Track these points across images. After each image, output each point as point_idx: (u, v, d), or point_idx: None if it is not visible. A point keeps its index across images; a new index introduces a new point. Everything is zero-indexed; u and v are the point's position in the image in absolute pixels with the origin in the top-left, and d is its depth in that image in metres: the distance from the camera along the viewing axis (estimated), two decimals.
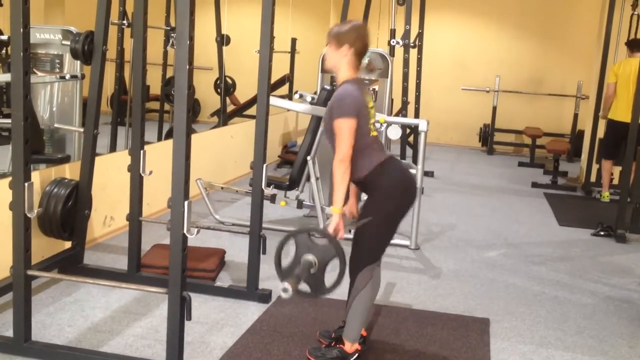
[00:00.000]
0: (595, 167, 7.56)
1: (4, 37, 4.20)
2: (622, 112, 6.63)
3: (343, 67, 2.92)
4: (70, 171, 4.19)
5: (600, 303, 4.11)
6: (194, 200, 5.38)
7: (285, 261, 2.83)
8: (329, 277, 2.75)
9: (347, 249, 2.96)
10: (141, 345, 3.15)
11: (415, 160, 6.12)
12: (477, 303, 3.99)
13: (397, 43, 7.02)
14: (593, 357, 3.34)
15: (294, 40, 8.81)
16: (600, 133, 7.33)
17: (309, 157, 5.08)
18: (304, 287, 2.75)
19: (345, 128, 2.79)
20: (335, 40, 2.91)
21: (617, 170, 6.98)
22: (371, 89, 5.92)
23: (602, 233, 5.69)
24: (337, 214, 2.81)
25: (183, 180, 2.55)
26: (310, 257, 2.74)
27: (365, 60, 2.97)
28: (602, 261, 5.02)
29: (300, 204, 5.29)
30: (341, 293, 3.13)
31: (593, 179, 7.62)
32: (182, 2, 2.45)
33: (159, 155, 4.24)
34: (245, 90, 8.31)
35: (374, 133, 2.94)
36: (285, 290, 2.58)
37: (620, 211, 5.61)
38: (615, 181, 7.14)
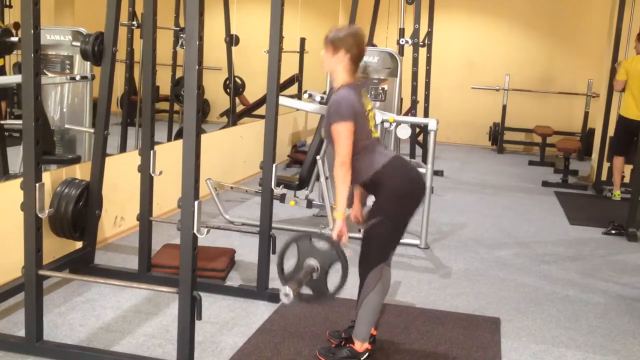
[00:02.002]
0: (606, 165, 7.52)
1: (15, 39, 4.22)
2: (632, 109, 6.60)
3: (339, 72, 2.92)
4: (81, 172, 4.21)
5: (612, 302, 4.08)
6: (204, 200, 5.39)
7: (288, 265, 2.83)
8: (332, 282, 2.75)
9: (356, 248, 2.97)
10: (152, 344, 3.16)
11: (424, 160, 6.10)
12: (488, 302, 3.97)
13: (406, 42, 7.01)
14: (605, 357, 3.32)
15: (302, 40, 8.82)
16: (611, 131, 7.29)
17: (318, 157, 5.08)
18: (306, 291, 2.74)
19: (342, 132, 2.79)
20: (331, 46, 2.92)
21: (628, 168, 6.95)
22: (380, 88, 5.91)
23: (613, 232, 5.66)
24: (340, 219, 2.82)
25: (193, 180, 2.55)
26: (312, 262, 2.75)
27: (361, 65, 2.97)
28: (614, 260, 4.99)
29: (309, 204, 5.29)
30: (351, 293, 3.13)
31: (604, 177, 7.58)
32: (192, 3, 2.46)
33: (169, 156, 4.26)
34: (255, 90, 8.32)
35: (376, 134, 2.95)
36: (286, 295, 2.59)
37: (631, 210, 5.58)
38: (627, 179, 7.10)
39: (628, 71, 6.62)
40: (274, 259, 3.81)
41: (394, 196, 2.87)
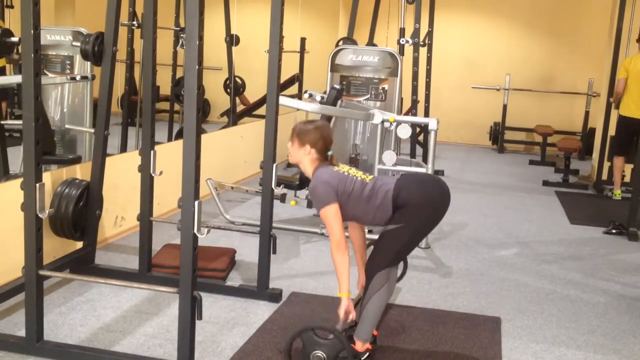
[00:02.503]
0: (606, 165, 7.51)
1: (15, 39, 4.22)
2: (633, 108, 6.59)
3: (307, 163, 3.02)
4: (81, 172, 4.21)
5: (613, 302, 4.08)
6: (204, 200, 5.39)
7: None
8: None
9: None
10: (152, 344, 3.16)
11: (425, 159, 6.10)
12: (488, 302, 3.97)
13: (407, 42, 7.01)
14: (605, 356, 3.32)
15: (303, 40, 8.81)
16: (612, 131, 7.28)
17: None
18: None
19: (329, 216, 2.85)
20: (297, 139, 3.02)
21: (628, 168, 6.95)
22: (380, 87, 5.91)
23: (614, 231, 5.65)
24: (345, 297, 2.86)
25: (193, 180, 2.55)
26: (319, 354, 2.79)
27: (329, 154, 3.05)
28: (614, 259, 4.98)
29: (310, 203, 5.29)
30: (353, 293, 3.12)
31: (604, 176, 7.57)
32: (191, 3, 2.46)
33: (170, 156, 4.26)
34: (255, 90, 8.32)
35: (368, 178, 2.97)
36: None
37: (632, 209, 5.58)
38: (627, 179, 7.10)
39: (628, 70, 6.62)
40: (274, 259, 3.83)
41: (421, 207, 2.90)
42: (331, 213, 2.85)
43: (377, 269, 2.93)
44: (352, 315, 2.89)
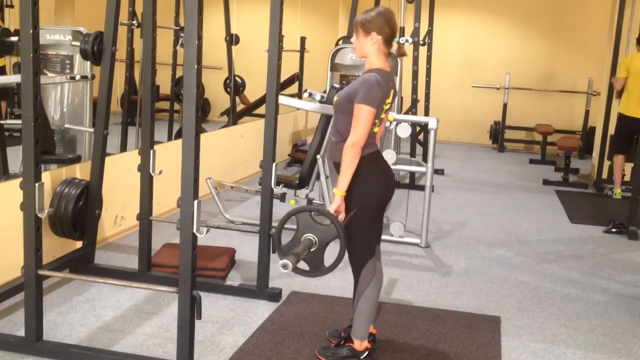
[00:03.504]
0: (606, 163, 7.51)
1: (15, 38, 4.22)
2: (633, 107, 6.59)
3: (373, 54, 2.89)
4: (81, 171, 4.21)
5: (612, 300, 4.08)
6: (204, 200, 5.39)
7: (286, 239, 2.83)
8: (328, 258, 2.75)
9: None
10: (152, 344, 3.16)
11: (425, 158, 6.10)
12: (488, 301, 3.97)
13: (407, 41, 6.99)
14: (605, 355, 3.32)
15: (303, 39, 8.81)
16: (612, 129, 7.28)
17: (318, 156, 5.08)
18: (303, 265, 2.75)
19: (365, 115, 2.77)
20: (362, 29, 2.88)
21: (628, 167, 6.94)
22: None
23: (614, 230, 5.65)
24: (340, 196, 2.81)
25: (192, 179, 2.55)
26: (311, 236, 2.75)
27: (394, 46, 2.95)
28: (614, 258, 4.98)
29: (310, 203, 5.28)
30: (350, 292, 3.12)
31: (605, 175, 7.57)
32: (191, 2, 2.45)
33: (169, 155, 4.26)
34: (255, 89, 8.32)
35: (375, 129, 2.92)
36: (285, 266, 2.58)
37: (632, 208, 5.57)
38: (627, 178, 7.09)
39: (628, 68, 6.61)
40: (274, 258, 3.82)
41: (368, 186, 2.86)
42: (369, 114, 2.77)
43: (360, 265, 2.94)
44: (342, 217, 2.83)
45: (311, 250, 2.74)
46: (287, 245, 2.80)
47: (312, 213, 2.77)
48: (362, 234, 2.91)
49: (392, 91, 2.92)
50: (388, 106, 2.92)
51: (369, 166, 2.86)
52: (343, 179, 2.80)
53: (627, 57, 6.81)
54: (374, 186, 2.89)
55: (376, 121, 2.87)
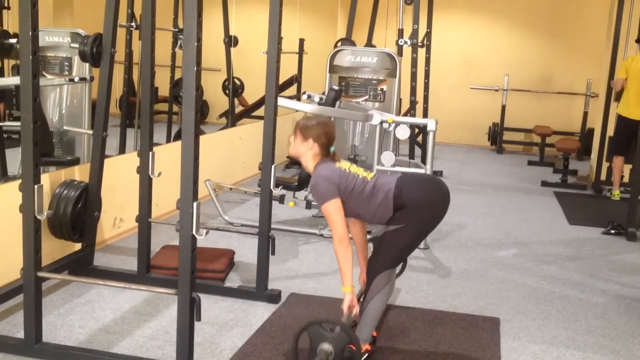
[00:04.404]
0: (605, 165, 7.52)
1: (13, 40, 4.22)
2: (632, 109, 6.59)
3: (309, 158, 3.05)
4: (80, 173, 4.21)
5: (612, 302, 4.08)
6: (203, 202, 5.40)
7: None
8: None
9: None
10: (151, 346, 3.15)
11: (424, 160, 6.10)
12: (487, 302, 3.97)
13: (405, 43, 7.02)
14: (604, 356, 3.32)
15: (301, 41, 8.81)
16: (611, 131, 7.29)
17: None
18: None
19: (332, 211, 2.86)
20: (300, 134, 3.06)
21: (627, 168, 6.95)
22: (379, 88, 5.91)
23: (612, 232, 5.66)
24: (348, 292, 2.87)
25: (192, 181, 2.55)
26: (325, 347, 2.77)
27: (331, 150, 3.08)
28: (613, 260, 4.99)
29: (309, 204, 5.29)
30: (355, 288, 3.12)
31: (603, 177, 7.58)
32: (189, 4, 2.46)
33: (168, 157, 4.26)
34: (254, 91, 8.32)
35: (370, 176, 2.99)
36: None
37: (630, 209, 5.58)
38: (626, 179, 7.10)
39: (628, 70, 6.62)
40: (273, 260, 3.83)
41: (422, 207, 2.92)
42: (333, 208, 2.86)
43: (378, 271, 2.94)
44: (356, 310, 2.89)
45: (329, 359, 2.76)
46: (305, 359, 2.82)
47: (322, 324, 2.80)
48: (398, 249, 2.95)
49: (342, 162, 3.04)
50: (352, 167, 3.01)
51: (409, 193, 2.92)
52: (345, 274, 2.87)
53: (627, 59, 6.83)
54: (428, 207, 2.95)
55: (361, 175, 2.97)
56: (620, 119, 6.79)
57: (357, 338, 2.79)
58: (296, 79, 8.69)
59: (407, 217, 2.89)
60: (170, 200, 4.60)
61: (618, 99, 6.91)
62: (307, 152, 3.04)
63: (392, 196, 2.90)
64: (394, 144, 6.15)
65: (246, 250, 4.57)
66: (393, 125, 5.03)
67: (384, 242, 2.92)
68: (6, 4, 5.49)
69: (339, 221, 2.86)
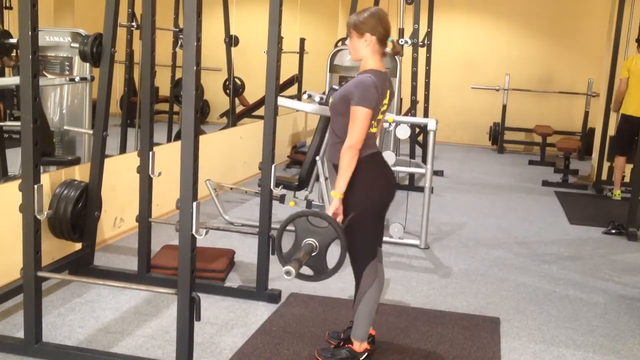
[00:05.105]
0: (606, 165, 7.51)
1: (14, 40, 4.22)
2: (634, 107, 6.59)
3: (368, 55, 2.87)
4: (80, 173, 4.21)
5: (612, 302, 4.08)
6: (204, 201, 5.40)
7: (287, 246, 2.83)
8: (330, 259, 2.75)
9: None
10: (151, 345, 3.15)
11: (424, 160, 6.10)
12: (488, 302, 3.97)
13: (406, 42, 7.00)
14: (605, 356, 3.32)
15: (302, 41, 8.81)
16: (612, 130, 7.29)
17: (317, 157, 5.08)
18: (306, 270, 2.74)
19: (362, 116, 2.75)
20: (355, 30, 2.86)
21: (628, 167, 6.94)
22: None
23: (613, 231, 5.65)
24: (337, 198, 2.81)
25: (191, 181, 2.55)
26: (310, 241, 2.74)
27: (389, 45, 2.94)
28: (614, 260, 4.98)
29: (309, 204, 5.28)
30: (350, 293, 3.13)
31: (604, 177, 7.57)
32: (189, 4, 2.46)
33: (169, 157, 4.25)
34: (255, 90, 8.32)
35: (373, 130, 2.91)
36: (288, 272, 2.58)
37: (631, 209, 5.57)
38: (627, 179, 7.09)
39: (630, 69, 6.62)
40: (273, 259, 3.82)
41: (368, 189, 2.85)
42: (365, 115, 2.76)
43: (362, 267, 2.93)
44: (340, 218, 2.82)
45: (312, 254, 2.73)
46: (289, 252, 2.79)
47: (309, 217, 2.77)
48: (363, 235, 2.90)
49: (388, 92, 2.90)
50: (385, 107, 2.91)
51: (368, 167, 2.85)
52: (341, 181, 2.79)
53: (628, 59, 6.83)
54: (375, 187, 2.88)
55: (373, 122, 2.87)
56: (623, 117, 6.79)
57: (342, 231, 2.72)
58: (297, 79, 8.70)
59: (352, 204, 2.82)
60: (170, 200, 4.62)
61: (617, 109, 6.91)
62: (366, 49, 2.85)
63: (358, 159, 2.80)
64: (394, 143, 6.16)
65: (246, 250, 4.57)
66: (393, 124, 5.03)
67: (349, 237, 2.83)
68: (8, 4, 5.49)
69: (361, 130, 2.75)
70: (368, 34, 2.84)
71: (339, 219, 2.83)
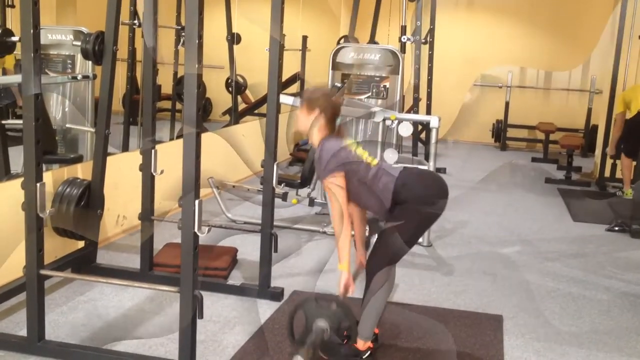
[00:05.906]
0: (609, 162, 7.50)
1: (15, 38, 4.22)
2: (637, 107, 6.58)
3: (314, 130, 2.96)
4: (83, 171, 4.21)
5: (615, 299, 4.07)
6: (206, 199, 5.39)
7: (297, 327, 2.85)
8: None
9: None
10: (154, 343, 3.16)
11: (427, 157, 6.09)
12: (490, 300, 3.97)
13: (408, 39, 7.00)
14: (608, 354, 3.31)
15: (304, 38, 8.80)
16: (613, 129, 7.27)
17: None
18: (320, 354, 2.76)
19: (334, 185, 2.82)
20: (306, 104, 2.96)
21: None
22: (382, 85, 5.90)
23: (616, 229, 5.64)
24: (345, 271, 2.84)
25: (194, 179, 2.54)
26: (321, 324, 2.75)
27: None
28: (617, 257, 4.97)
29: (311, 202, 5.29)
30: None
31: (607, 174, 7.56)
32: (191, 1, 2.45)
33: (171, 155, 4.25)
34: (257, 88, 8.31)
35: (374, 162, 2.94)
36: None
37: (635, 206, 5.56)
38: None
39: (626, 100, 6.66)
40: (276, 257, 3.83)
41: (420, 203, 2.87)
42: (336, 182, 2.81)
43: (377, 268, 2.92)
44: (352, 289, 2.85)
45: (324, 337, 2.74)
46: (301, 336, 2.81)
47: (318, 300, 2.80)
48: (399, 245, 2.90)
49: (349, 141, 2.97)
50: (359, 148, 2.96)
51: (411, 186, 2.88)
52: (343, 252, 2.82)
53: (626, 92, 6.94)
54: (426, 202, 2.89)
55: (366, 160, 2.90)
56: (632, 120, 6.73)
57: (351, 312, 2.74)
58: (299, 77, 8.68)
59: (406, 213, 2.86)
60: (173, 198, 4.63)
61: (612, 154, 6.96)
62: (314, 125, 2.94)
63: (391, 188, 2.85)
64: (397, 141, 6.15)
65: (249, 248, 4.57)
66: (396, 122, 5.03)
67: (383, 239, 2.89)
68: (10, 2, 5.50)
69: (340, 197, 2.81)
70: (317, 110, 2.93)
71: (351, 290, 2.85)
